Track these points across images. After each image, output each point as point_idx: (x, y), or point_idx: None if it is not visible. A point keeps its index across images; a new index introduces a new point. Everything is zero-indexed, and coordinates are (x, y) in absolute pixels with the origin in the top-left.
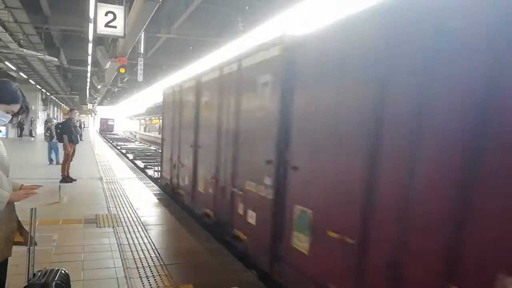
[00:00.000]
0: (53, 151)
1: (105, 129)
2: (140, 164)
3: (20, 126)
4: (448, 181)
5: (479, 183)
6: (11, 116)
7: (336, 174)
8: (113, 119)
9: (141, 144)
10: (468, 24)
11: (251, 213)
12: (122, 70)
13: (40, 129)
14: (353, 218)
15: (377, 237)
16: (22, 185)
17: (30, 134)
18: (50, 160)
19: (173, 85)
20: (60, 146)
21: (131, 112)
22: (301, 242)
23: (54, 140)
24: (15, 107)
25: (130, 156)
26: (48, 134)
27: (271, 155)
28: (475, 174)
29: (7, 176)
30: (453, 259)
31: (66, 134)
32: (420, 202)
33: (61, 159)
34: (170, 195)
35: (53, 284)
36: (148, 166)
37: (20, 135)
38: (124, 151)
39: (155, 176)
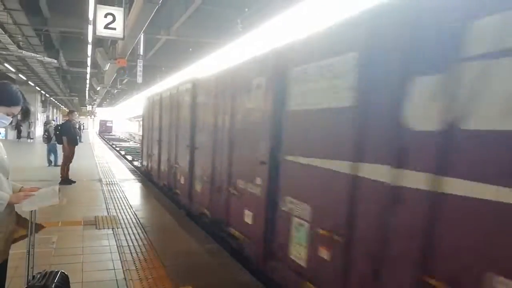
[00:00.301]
0: (51, 153)
1: (104, 131)
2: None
3: (17, 128)
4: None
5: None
6: (11, 118)
7: (214, 150)
8: (112, 121)
9: (136, 143)
10: None
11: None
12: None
13: (39, 131)
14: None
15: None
16: (22, 187)
17: (28, 136)
18: (49, 162)
19: (148, 96)
20: (58, 148)
21: (130, 113)
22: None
23: (53, 142)
24: (16, 109)
25: (125, 155)
26: (46, 136)
27: (189, 141)
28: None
29: (7, 178)
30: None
31: (65, 135)
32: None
33: (59, 160)
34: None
35: (53, 286)
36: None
37: (18, 137)
38: (118, 148)
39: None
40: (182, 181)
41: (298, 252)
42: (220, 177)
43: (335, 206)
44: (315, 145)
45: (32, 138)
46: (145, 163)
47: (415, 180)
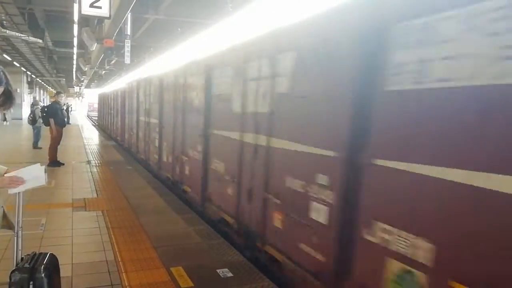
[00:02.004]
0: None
1: (92, 111)
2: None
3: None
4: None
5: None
6: None
7: (174, 128)
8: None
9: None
10: None
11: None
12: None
13: (26, 112)
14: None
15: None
16: (7, 169)
17: (4, 119)
18: (35, 144)
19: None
20: (42, 130)
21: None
22: None
23: (38, 124)
24: None
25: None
26: (31, 118)
27: (158, 121)
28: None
29: None
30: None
31: (52, 117)
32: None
33: (40, 143)
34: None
35: (42, 268)
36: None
37: (4, 119)
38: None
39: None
40: (155, 155)
41: (219, 195)
42: (178, 148)
43: (234, 162)
44: (225, 122)
45: (7, 121)
46: (126, 140)
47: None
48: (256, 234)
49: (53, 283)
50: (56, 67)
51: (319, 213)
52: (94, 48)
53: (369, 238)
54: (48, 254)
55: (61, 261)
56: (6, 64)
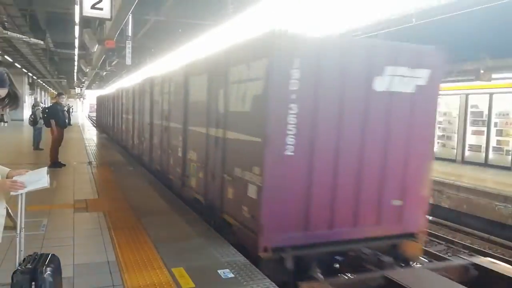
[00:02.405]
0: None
1: (93, 112)
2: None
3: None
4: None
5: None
6: None
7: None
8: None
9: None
10: None
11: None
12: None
13: (27, 113)
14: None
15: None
16: (10, 171)
17: (2, 120)
18: (36, 145)
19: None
20: (43, 131)
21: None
22: None
23: (39, 125)
24: (2, 91)
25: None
26: (32, 119)
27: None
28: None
29: None
30: None
31: (53, 118)
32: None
33: (42, 144)
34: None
35: (44, 268)
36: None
37: (1, 120)
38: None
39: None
40: (135, 141)
41: (193, 179)
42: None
43: (201, 150)
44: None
45: (6, 122)
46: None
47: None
48: (217, 207)
49: (54, 283)
50: (57, 69)
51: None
52: (95, 50)
53: (188, 157)
54: (50, 255)
55: (62, 261)
56: (8, 65)
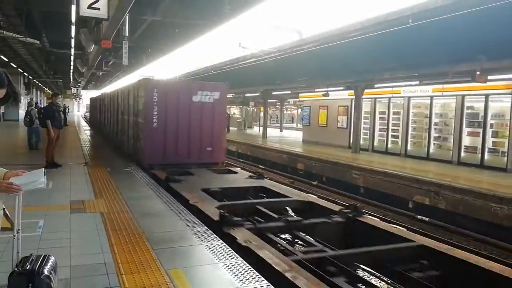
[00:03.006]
0: (33, 135)
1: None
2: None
3: None
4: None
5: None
6: None
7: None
8: None
9: None
10: None
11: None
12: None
13: (22, 113)
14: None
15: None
16: (7, 171)
17: None
18: (31, 146)
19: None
20: (41, 131)
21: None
22: None
23: (35, 125)
24: (0, 92)
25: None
26: (28, 119)
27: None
28: None
29: None
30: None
31: (49, 119)
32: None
33: (41, 144)
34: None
35: (40, 270)
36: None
37: None
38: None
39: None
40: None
41: (125, 141)
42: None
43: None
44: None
45: None
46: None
47: None
48: (132, 153)
49: (51, 285)
50: (53, 68)
51: None
52: (91, 49)
53: None
54: (46, 256)
55: (59, 263)
56: (3, 65)
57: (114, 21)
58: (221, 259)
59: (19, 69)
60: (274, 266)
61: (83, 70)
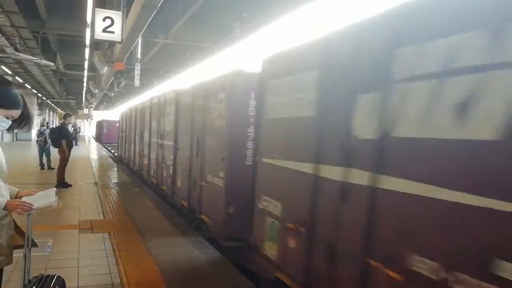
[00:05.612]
0: (45, 155)
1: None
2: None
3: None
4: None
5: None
6: (10, 122)
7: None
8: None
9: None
10: None
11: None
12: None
13: (34, 134)
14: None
15: None
16: (19, 191)
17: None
18: (42, 165)
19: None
20: (52, 150)
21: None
22: None
23: (48, 145)
24: (15, 113)
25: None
26: (43, 139)
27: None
28: None
29: (5, 182)
30: None
31: (64, 138)
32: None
33: (52, 164)
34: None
35: None
36: None
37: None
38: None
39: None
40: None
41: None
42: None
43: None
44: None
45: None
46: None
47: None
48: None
49: None
50: (66, 89)
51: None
52: (104, 71)
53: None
54: (55, 276)
55: (67, 283)
56: (18, 86)
57: (127, 44)
58: (230, 283)
59: (33, 90)
60: None
61: (96, 91)
